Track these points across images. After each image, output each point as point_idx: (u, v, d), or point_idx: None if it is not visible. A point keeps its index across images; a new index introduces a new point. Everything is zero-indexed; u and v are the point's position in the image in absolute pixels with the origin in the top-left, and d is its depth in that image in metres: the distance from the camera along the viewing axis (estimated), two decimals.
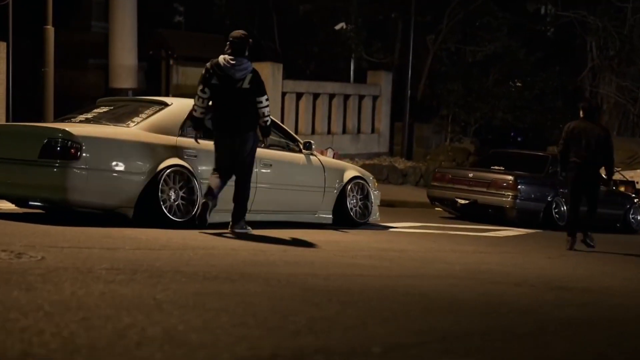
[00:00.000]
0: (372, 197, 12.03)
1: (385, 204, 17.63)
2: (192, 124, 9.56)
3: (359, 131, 24.10)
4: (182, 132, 9.78)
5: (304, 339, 3.82)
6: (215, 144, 9.45)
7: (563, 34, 26.88)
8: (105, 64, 23.48)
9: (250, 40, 9.75)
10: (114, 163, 9.07)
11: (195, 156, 9.73)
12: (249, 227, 9.41)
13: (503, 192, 14.81)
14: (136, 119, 9.67)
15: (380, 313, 4.74)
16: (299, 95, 22.01)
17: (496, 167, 15.58)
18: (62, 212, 9.27)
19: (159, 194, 9.21)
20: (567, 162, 11.04)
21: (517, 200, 14.72)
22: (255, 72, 9.43)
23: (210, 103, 9.35)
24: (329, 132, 23.11)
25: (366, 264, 7.40)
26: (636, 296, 7.11)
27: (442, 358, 3.75)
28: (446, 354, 3.84)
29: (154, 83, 26.02)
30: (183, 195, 9.54)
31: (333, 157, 16.76)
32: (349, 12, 24.88)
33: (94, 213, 9.23)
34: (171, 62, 24.31)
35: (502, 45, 24.61)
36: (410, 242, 10.14)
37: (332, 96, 22.99)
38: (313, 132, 22.66)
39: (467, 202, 15.05)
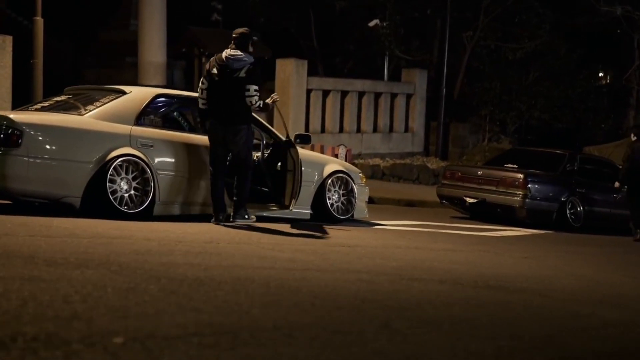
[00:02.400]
0: (357, 193, 11.49)
1: (404, 203, 17.16)
2: (199, 116, 9.63)
3: (391, 130, 23.51)
4: (138, 121, 9.46)
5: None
6: (209, 137, 9.42)
7: (608, 31, 25.78)
8: None
9: (254, 37, 9.94)
10: (58, 151, 8.79)
11: (152, 146, 9.39)
12: (253, 217, 9.55)
13: (512, 191, 14.10)
14: (90, 107, 9.39)
15: (193, 303, 4.31)
16: (325, 93, 21.55)
17: (509, 165, 14.86)
18: (29, 202, 8.95)
19: (107, 183, 8.90)
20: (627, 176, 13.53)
21: (527, 200, 13.99)
22: (254, 64, 9.45)
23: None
24: (358, 130, 22.59)
25: (285, 257, 6.93)
26: (566, 298, 6.46)
27: (193, 349, 3.29)
28: (205, 346, 3.38)
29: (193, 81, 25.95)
30: (137, 186, 9.21)
31: (345, 155, 16.40)
32: (385, 9, 24.31)
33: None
34: (203, 59, 24.14)
35: (543, 42, 23.72)
36: (377, 238, 9.60)
37: (362, 94, 22.47)
38: (341, 130, 22.19)
39: (475, 201, 14.39)
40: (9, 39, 14.81)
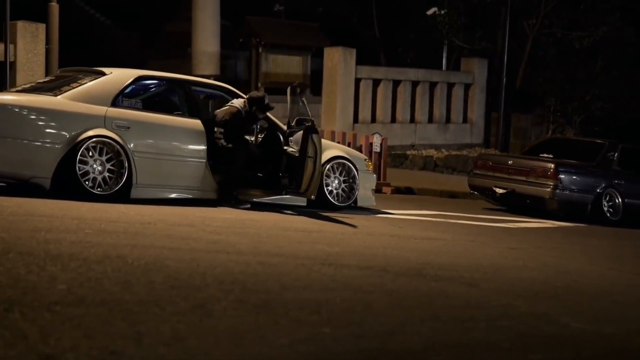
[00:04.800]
0: (360, 180, 11.03)
1: (446, 194, 16.58)
2: None
3: (448, 121, 22.84)
4: (115, 102, 9.28)
5: None
6: None
7: None
8: None
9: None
10: (26, 131, 8.69)
11: (128, 128, 9.20)
12: (239, 204, 9.73)
13: (542, 182, 13.35)
14: (66, 88, 9.26)
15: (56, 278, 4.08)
16: (376, 82, 21.06)
17: (544, 155, 14.10)
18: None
19: (77, 165, 8.75)
20: None
21: (557, 191, 13.22)
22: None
23: None
24: (412, 120, 22.02)
25: (213, 239, 6.60)
26: (495, 288, 5.91)
27: None
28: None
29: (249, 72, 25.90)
30: (111, 168, 9.04)
31: (381, 144, 15.90)
32: None
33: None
34: (260, 49, 24.03)
35: (612, 29, 22.58)
36: (359, 226, 9.14)
37: (415, 83, 21.87)
38: (393, 120, 21.67)
39: (505, 191, 13.70)
40: (42, 27, 14.92)
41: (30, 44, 15.02)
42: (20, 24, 15.04)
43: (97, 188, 8.88)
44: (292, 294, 4.59)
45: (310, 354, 3.38)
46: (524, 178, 13.55)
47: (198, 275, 4.77)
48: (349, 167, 10.96)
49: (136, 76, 9.65)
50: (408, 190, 16.52)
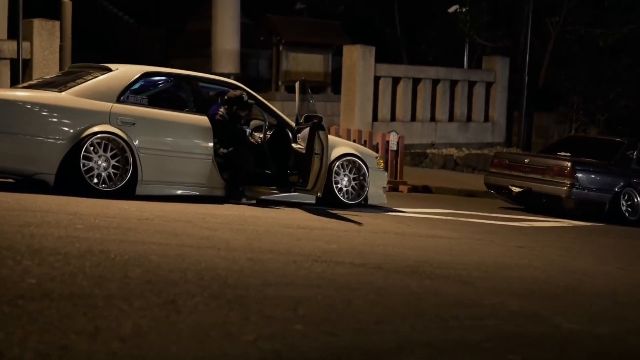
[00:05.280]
0: (369, 178, 10.90)
1: (465, 193, 16.41)
2: None
3: (469, 119, 22.61)
4: (121, 98, 9.23)
5: None
6: None
7: None
8: None
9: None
10: (30, 127, 8.67)
11: (133, 124, 9.15)
12: (244, 199, 9.72)
13: (559, 180, 13.13)
14: (71, 84, 9.23)
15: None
16: (395, 80, 20.89)
17: (561, 153, 13.88)
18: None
19: (81, 161, 8.72)
20: None
21: (574, 190, 13.00)
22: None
23: None
24: (432, 119, 21.82)
25: (206, 235, 6.51)
26: (489, 286, 5.77)
27: None
28: None
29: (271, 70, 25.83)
30: (116, 164, 9.00)
31: (397, 142, 15.76)
32: None
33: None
34: (280, 47, 23.93)
35: (638, 27, 22.24)
36: (364, 223, 9.02)
37: (436, 82, 21.67)
38: (413, 118, 21.49)
39: (521, 190, 13.51)
40: (58, 24, 14.93)
41: (47, 42, 15.02)
42: (36, 22, 15.06)
43: (101, 184, 8.84)
44: (273, 290, 4.49)
45: (272, 351, 3.28)
46: (540, 176, 13.35)
47: (179, 271, 4.69)
48: (359, 164, 10.83)
49: (142, 72, 9.60)
50: (425, 189, 16.36)
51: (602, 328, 4.76)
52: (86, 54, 18.10)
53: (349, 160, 10.77)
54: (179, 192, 9.51)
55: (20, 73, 13.28)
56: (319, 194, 9.87)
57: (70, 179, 8.75)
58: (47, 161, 8.69)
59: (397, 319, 4.20)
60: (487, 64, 23.05)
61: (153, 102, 9.56)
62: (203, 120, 9.65)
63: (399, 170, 15.72)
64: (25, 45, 15.02)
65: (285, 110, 23.18)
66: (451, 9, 23.38)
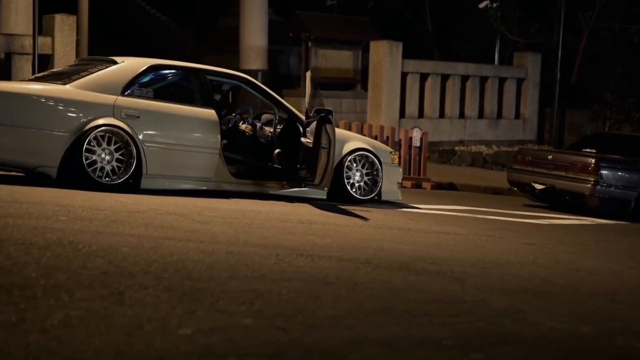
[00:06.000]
0: (384, 173, 10.68)
1: (491, 191, 16.09)
2: None
3: (499, 116, 22.24)
4: (126, 91, 9.12)
5: None
6: None
7: None
8: None
9: None
10: (32, 119, 8.59)
11: (138, 117, 9.04)
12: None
13: (582, 177, 12.77)
14: (76, 77, 9.15)
15: None
16: (423, 76, 20.61)
17: (587, 150, 13.51)
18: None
19: (83, 154, 8.63)
20: None
21: (598, 187, 12.63)
22: None
23: None
24: (461, 116, 21.49)
25: (194, 228, 6.36)
26: (480, 283, 5.53)
27: None
28: None
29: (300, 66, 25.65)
30: (120, 157, 8.89)
31: (421, 139, 15.50)
32: None
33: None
34: (309, 44, 23.75)
35: None
36: (371, 219, 8.81)
37: (465, 78, 21.34)
38: (442, 115, 21.19)
39: (544, 187, 13.18)
40: (72, 19, 14.95)
41: (68, 37, 15.05)
42: (58, 17, 15.10)
43: (105, 178, 8.74)
44: (237, 284, 4.32)
45: (205, 346, 3.11)
46: (563, 173, 13.01)
47: (144, 263, 4.54)
48: (372, 159, 10.62)
49: (148, 65, 9.48)
50: (450, 186, 16.08)
51: (588, 327, 4.51)
52: (118, 50, 18.13)
53: (361, 155, 10.56)
54: (185, 186, 9.38)
55: (35, 68, 13.29)
56: (325, 188, 9.68)
57: (73, 172, 8.66)
58: (49, 154, 8.61)
59: (361, 314, 4.00)
60: (518, 60, 22.66)
61: (160, 95, 9.43)
62: (210, 113, 9.51)
63: (422, 167, 15.46)
64: (47, 40, 15.07)
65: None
66: (481, 5, 23.02)
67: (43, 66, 14.16)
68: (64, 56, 14.97)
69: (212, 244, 5.60)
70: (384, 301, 4.40)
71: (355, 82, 24.02)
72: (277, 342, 3.31)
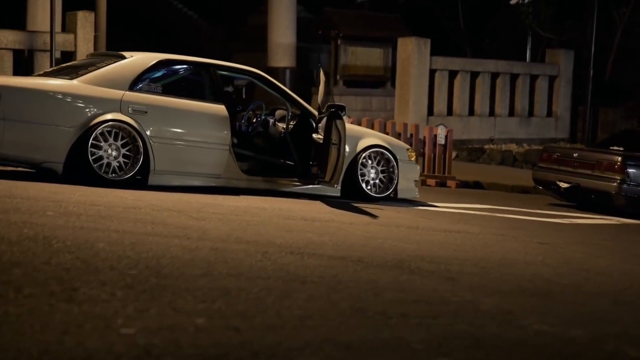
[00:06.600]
0: (400, 171, 10.44)
1: (518, 190, 15.76)
2: None
3: (530, 114, 21.85)
4: (134, 86, 9.01)
5: None
6: None
7: None
8: None
9: None
10: (38, 114, 8.52)
11: (145, 112, 8.93)
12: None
13: (608, 175, 12.42)
14: (83, 72, 9.06)
15: None
16: (452, 74, 20.30)
17: (614, 148, 13.15)
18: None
19: (89, 149, 8.53)
20: None
21: (625, 186, 12.28)
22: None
23: None
24: (491, 113, 21.15)
25: (195, 225, 6.20)
26: (474, 282, 5.30)
27: None
28: None
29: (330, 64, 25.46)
30: (127, 153, 8.78)
31: (445, 136, 15.22)
32: None
33: None
34: (338, 41, 23.56)
35: None
36: (385, 216, 8.60)
37: (495, 75, 20.99)
38: (471, 113, 20.87)
39: (569, 185, 12.85)
40: (91, 15, 14.93)
41: (90, 34, 15.03)
42: (80, 14, 15.08)
43: (111, 174, 8.64)
44: (207, 282, 4.14)
45: (144, 346, 2.93)
46: (589, 172, 12.67)
47: (115, 259, 4.38)
48: (388, 156, 10.39)
49: (157, 60, 9.36)
50: (476, 185, 15.78)
51: (579, 330, 4.26)
52: (138, 46, 18.09)
53: (376, 151, 10.34)
54: (194, 182, 9.25)
55: (53, 64, 13.24)
56: (336, 185, 9.49)
57: (79, 168, 8.57)
58: (54, 149, 8.53)
59: (331, 315, 3.80)
60: (550, 57, 22.25)
61: (169, 91, 9.30)
62: (220, 109, 9.36)
63: (447, 164, 15.17)
64: (69, 37, 15.08)
65: (344, 104, 22.91)
66: (513, 1, 22.64)
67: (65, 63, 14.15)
68: (87, 52, 14.93)
69: (198, 241, 5.44)
70: (361, 301, 4.20)
71: (385, 79, 23.77)
72: (227, 343, 3.13)
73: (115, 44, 15.71)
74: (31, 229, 4.99)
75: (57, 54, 14.77)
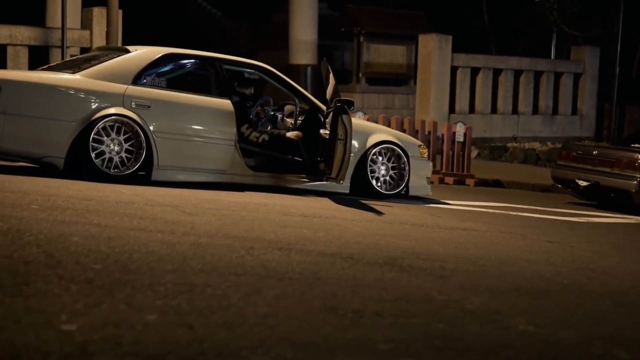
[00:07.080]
0: (410, 167, 10.22)
1: (539, 188, 15.45)
2: None
3: (555, 112, 21.48)
4: (137, 80, 8.88)
5: None
6: None
7: None
8: None
9: None
10: (39, 108, 8.42)
11: (149, 107, 8.80)
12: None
13: (628, 174, 12.09)
14: (86, 66, 8.95)
15: None
16: (474, 71, 20.01)
17: (635, 145, 12.82)
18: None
19: (90, 144, 8.42)
20: None
21: None
22: None
23: None
24: (514, 111, 20.82)
25: (184, 220, 6.04)
26: (463, 280, 5.08)
27: None
28: None
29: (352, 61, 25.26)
30: (130, 148, 8.66)
31: (464, 134, 14.97)
32: None
33: None
34: (361, 39, 23.35)
35: None
36: (392, 213, 8.39)
37: (518, 72, 20.66)
38: (494, 111, 20.56)
39: (588, 184, 12.54)
40: (103, 11, 14.87)
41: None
42: (96, 10, 15.04)
43: (113, 169, 8.52)
44: (174, 277, 3.98)
45: (80, 343, 2.77)
46: (608, 169, 12.36)
47: (84, 253, 4.23)
48: (398, 152, 10.18)
49: (162, 54, 9.23)
50: (496, 183, 15.50)
51: (569, 331, 4.04)
52: (157, 42, 18.01)
53: (387, 148, 10.13)
54: (198, 178, 9.11)
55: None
56: (342, 181, 9.29)
57: (80, 163, 8.46)
58: (56, 144, 8.43)
59: (298, 313, 3.62)
60: (575, 54, 21.87)
61: (174, 85, 9.16)
62: (225, 103, 9.21)
63: (466, 162, 14.91)
64: (85, 33, 15.04)
65: (366, 102, 22.67)
66: None
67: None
68: None
69: (183, 236, 5.28)
70: (336, 299, 4.00)
71: (409, 77, 23.51)
72: (174, 341, 2.96)
73: (134, 41, 15.66)
74: (6, 222, 4.86)
75: (75, 50, 14.75)
